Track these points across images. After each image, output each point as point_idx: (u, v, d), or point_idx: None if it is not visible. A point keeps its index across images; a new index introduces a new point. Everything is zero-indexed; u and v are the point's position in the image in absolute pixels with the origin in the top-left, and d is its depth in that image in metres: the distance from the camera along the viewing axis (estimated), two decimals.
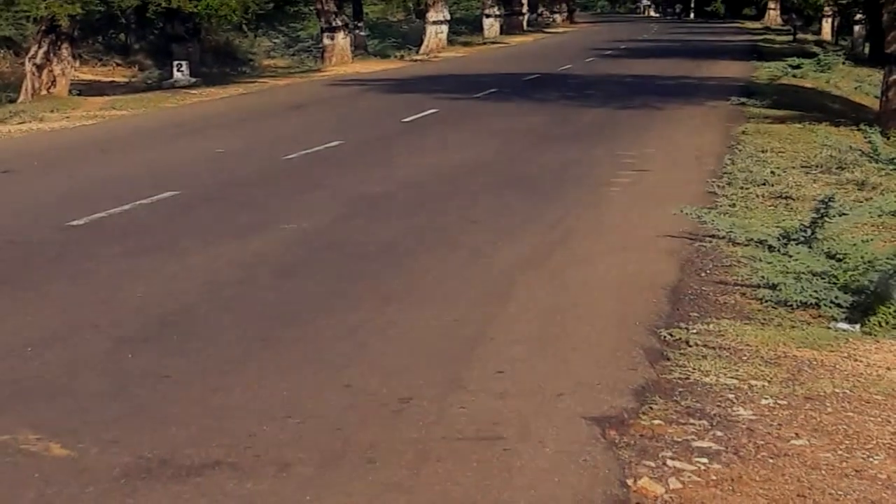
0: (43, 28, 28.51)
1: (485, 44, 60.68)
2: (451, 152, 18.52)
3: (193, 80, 33.36)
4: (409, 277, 10.16)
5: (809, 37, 65.39)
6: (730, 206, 13.57)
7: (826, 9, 58.41)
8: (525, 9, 77.65)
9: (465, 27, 67.33)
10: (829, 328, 8.75)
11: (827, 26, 66.13)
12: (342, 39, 44.27)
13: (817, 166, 16.83)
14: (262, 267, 10.53)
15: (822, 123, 22.49)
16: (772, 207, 13.67)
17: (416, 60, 47.11)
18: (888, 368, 7.84)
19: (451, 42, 55.49)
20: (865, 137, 18.38)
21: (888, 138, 19.90)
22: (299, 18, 51.07)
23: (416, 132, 21.62)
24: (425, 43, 52.34)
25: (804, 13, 66.90)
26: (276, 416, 6.65)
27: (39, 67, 28.53)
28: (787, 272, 9.95)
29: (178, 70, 33.54)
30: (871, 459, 6.27)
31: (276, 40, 49.11)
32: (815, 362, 7.91)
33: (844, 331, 8.68)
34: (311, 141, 19.45)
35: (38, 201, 13.99)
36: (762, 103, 26.46)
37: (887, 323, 8.71)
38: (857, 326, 8.76)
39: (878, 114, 23.15)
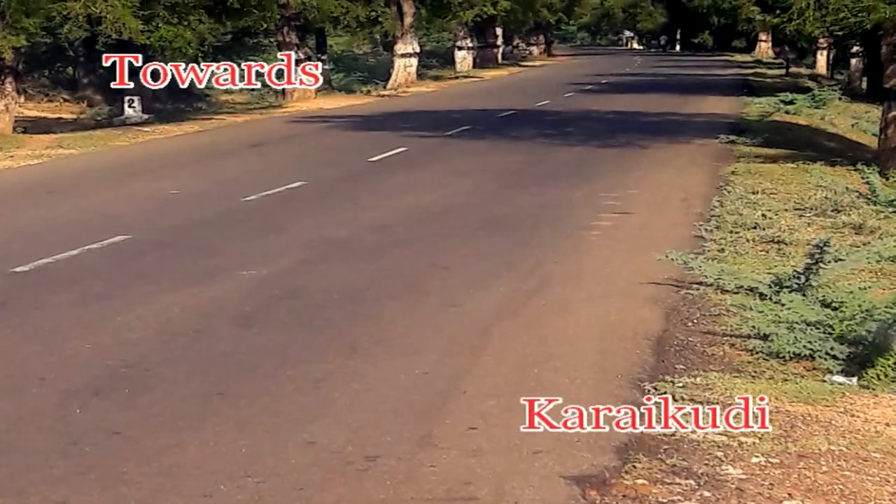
0: None
1: (457, 78, 60.96)
2: (420, 194, 18.57)
3: (146, 116, 33.37)
4: (376, 327, 10.18)
5: (803, 70, 65.96)
6: (718, 251, 13.63)
7: (821, 41, 58.83)
8: (500, 41, 78.10)
9: (435, 60, 67.71)
10: (825, 381, 8.78)
11: (822, 59, 66.67)
12: None
13: (812, 209, 16.90)
14: (219, 316, 10.53)
15: (817, 163, 22.61)
16: (763, 253, 13.74)
17: (383, 96, 47.27)
18: (887, 424, 7.86)
19: (420, 76, 55.72)
20: (863, 178, 18.48)
21: (887, 179, 20.02)
22: (259, 51, 51.24)
23: (383, 172, 21.66)
24: (393, 77, 52.53)
25: (797, 45, 67.51)
26: (235, 475, 6.65)
27: None
28: (780, 322, 9.98)
29: (130, 106, 33.54)
30: None
31: None
32: (809, 418, 7.94)
33: (840, 384, 8.71)
34: (271, 181, 19.48)
35: None
36: (753, 141, 26.60)
37: (886, 376, 8.73)
38: (854, 379, 8.79)
39: (877, 153, 23.33)
